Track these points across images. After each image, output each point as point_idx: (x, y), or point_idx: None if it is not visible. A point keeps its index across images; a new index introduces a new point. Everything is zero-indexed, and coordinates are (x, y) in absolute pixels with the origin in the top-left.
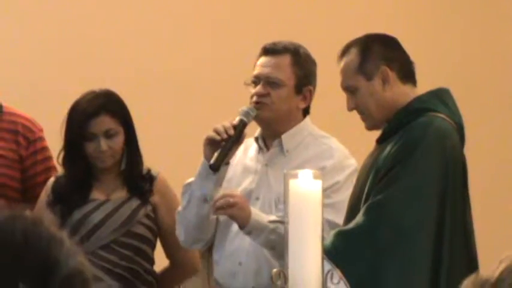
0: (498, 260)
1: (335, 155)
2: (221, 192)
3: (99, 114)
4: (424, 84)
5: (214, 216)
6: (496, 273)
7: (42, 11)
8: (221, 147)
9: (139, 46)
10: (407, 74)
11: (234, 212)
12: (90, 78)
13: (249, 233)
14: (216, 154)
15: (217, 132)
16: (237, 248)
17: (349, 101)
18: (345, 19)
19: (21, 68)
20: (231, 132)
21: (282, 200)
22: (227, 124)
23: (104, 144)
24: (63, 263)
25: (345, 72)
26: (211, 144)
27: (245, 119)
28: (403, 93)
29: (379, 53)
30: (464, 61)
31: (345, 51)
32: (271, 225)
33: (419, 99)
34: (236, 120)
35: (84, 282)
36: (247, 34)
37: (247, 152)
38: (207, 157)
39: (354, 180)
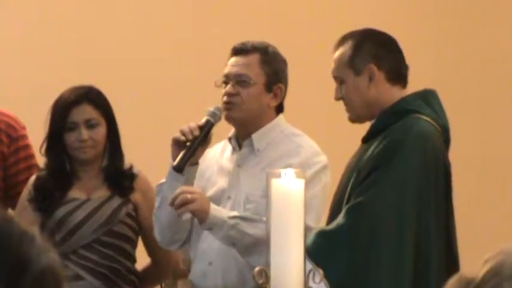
0: (483, 259)
1: (302, 152)
2: (179, 189)
3: (80, 102)
4: (413, 85)
5: (188, 217)
6: (480, 275)
7: (26, 6)
8: (186, 149)
9: (122, 47)
10: (396, 75)
11: (193, 207)
12: (74, 78)
13: (209, 229)
14: (180, 155)
15: (182, 133)
16: (208, 247)
17: (337, 90)
18: (336, 18)
19: (5, 66)
20: (197, 133)
21: (250, 199)
22: (193, 125)
23: (84, 133)
24: (35, 260)
25: (337, 62)
26: (177, 145)
27: (212, 120)
28: (388, 94)
29: (370, 51)
30: (454, 63)
31: (341, 41)
32: (231, 221)
33: (404, 100)
34: (203, 121)
35: (57, 278)
36: (227, 34)
37: (224, 152)
38: (174, 158)
39: (322, 177)
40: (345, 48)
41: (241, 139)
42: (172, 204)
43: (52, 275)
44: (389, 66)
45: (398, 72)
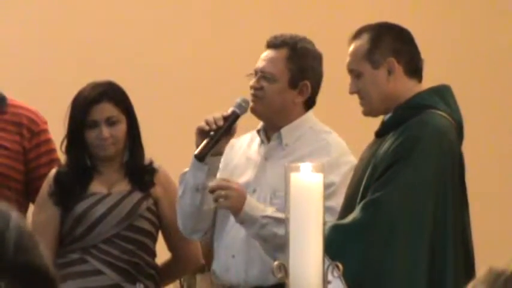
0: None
1: (331, 151)
2: (215, 181)
3: (101, 100)
4: (425, 80)
5: (211, 206)
6: (511, 267)
7: (45, 4)
8: (208, 138)
9: (141, 40)
10: (413, 69)
11: (225, 204)
12: (93, 72)
13: (241, 223)
14: (202, 144)
15: (207, 122)
16: (232, 240)
17: (352, 84)
18: (347, 14)
19: (25, 61)
20: (220, 123)
21: (278, 195)
22: (217, 115)
23: (105, 131)
24: (5, 230)
25: (353, 55)
26: (201, 134)
27: (237, 111)
28: (406, 88)
29: (389, 44)
30: (465, 58)
31: (357, 35)
32: (263, 221)
33: (420, 95)
34: (228, 112)
35: (30, 233)
36: (250, 27)
37: (252, 144)
38: (198, 147)
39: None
40: (362, 41)
41: (269, 132)
42: (211, 192)
43: (26, 233)
44: (407, 59)
45: (415, 66)
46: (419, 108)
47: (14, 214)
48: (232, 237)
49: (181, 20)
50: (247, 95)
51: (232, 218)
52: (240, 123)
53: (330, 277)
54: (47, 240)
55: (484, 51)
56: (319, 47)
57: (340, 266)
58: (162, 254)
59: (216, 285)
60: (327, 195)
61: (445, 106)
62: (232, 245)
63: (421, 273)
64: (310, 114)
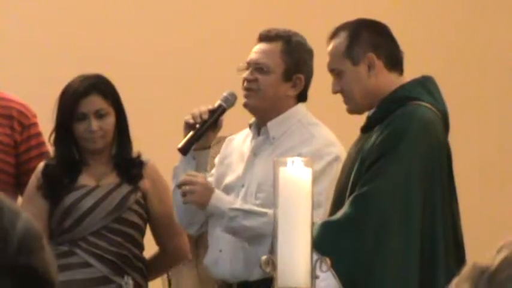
0: (496, 247)
1: (313, 142)
2: (183, 177)
3: (89, 93)
4: (411, 72)
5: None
6: (495, 263)
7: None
8: (193, 132)
9: (129, 33)
10: (394, 62)
11: (190, 199)
12: (82, 65)
13: (211, 216)
14: (185, 138)
15: (192, 116)
16: (219, 235)
17: (334, 84)
18: (335, 7)
19: (13, 54)
20: (205, 116)
21: (262, 188)
22: (203, 108)
23: (94, 124)
24: (11, 230)
25: (332, 54)
26: (188, 128)
27: (224, 105)
28: (388, 81)
29: (367, 40)
30: (451, 50)
31: (334, 34)
32: (231, 214)
33: (403, 87)
34: (215, 105)
35: (38, 235)
36: (243, 20)
37: (246, 139)
38: None
39: (334, 169)
40: (340, 39)
41: (261, 126)
42: (179, 188)
43: (32, 235)
44: (387, 53)
45: (395, 59)
46: (403, 100)
47: (25, 215)
48: (220, 232)
49: (169, 15)
50: (238, 88)
51: None
52: (236, 118)
53: (318, 272)
54: None
55: (471, 46)
56: (312, 43)
57: (328, 260)
58: (150, 247)
59: (205, 278)
60: None
61: (429, 97)
62: (220, 240)
63: (412, 265)
64: (300, 107)
